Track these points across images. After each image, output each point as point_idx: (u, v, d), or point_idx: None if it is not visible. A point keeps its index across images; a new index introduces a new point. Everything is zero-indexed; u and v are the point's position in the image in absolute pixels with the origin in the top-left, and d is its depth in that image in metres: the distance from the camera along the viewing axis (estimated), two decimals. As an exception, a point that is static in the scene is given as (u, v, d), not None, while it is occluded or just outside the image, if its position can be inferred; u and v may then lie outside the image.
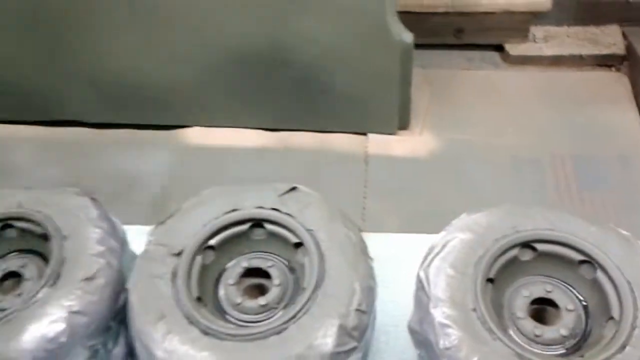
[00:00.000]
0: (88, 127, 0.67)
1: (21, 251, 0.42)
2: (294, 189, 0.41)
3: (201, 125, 0.65)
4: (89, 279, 0.38)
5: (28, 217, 0.41)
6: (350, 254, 0.38)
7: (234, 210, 0.40)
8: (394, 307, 0.45)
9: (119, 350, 0.41)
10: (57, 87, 0.64)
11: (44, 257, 0.42)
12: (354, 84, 0.60)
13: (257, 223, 0.40)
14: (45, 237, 0.41)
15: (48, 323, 0.36)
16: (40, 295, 0.37)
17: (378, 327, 0.41)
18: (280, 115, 0.64)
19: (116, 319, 0.40)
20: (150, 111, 0.65)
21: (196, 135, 0.65)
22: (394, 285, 0.46)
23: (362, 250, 0.39)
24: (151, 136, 0.66)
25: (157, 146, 0.65)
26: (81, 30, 0.58)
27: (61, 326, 0.36)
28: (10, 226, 0.42)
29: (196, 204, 0.41)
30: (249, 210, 0.40)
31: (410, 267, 0.42)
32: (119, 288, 0.40)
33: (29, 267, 0.41)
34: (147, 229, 0.45)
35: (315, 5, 0.54)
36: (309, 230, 0.39)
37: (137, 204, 0.61)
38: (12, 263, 0.42)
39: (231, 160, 0.63)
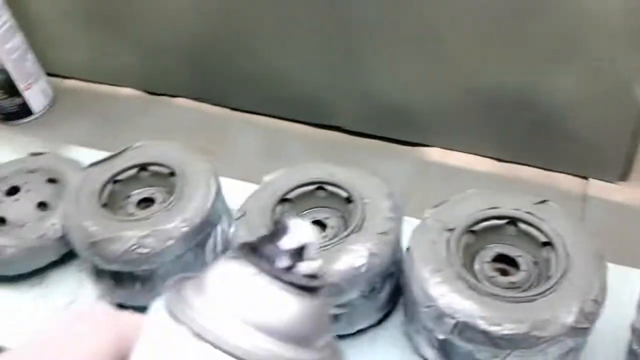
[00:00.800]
0: (345, 133, 0.83)
1: (325, 208, 0.57)
2: (545, 201, 0.52)
3: (440, 147, 0.78)
4: (383, 233, 0.51)
5: (338, 184, 0.56)
6: (590, 258, 0.47)
7: (495, 207, 0.52)
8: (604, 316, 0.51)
9: (382, 295, 0.54)
10: (331, 97, 0.80)
11: (343, 217, 0.56)
12: (587, 132, 0.68)
13: (513, 221, 0.51)
14: (348, 200, 0.55)
15: (356, 256, 0.49)
16: (348, 238, 0.51)
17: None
18: (511, 148, 0.74)
19: (390, 270, 0.53)
20: (400, 128, 0.78)
21: (435, 154, 0.78)
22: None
23: (600, 257, 0.48)
24: (397, 149, 0.79)
25: (400, 158, 0.78)
26: (362, 51, 0.74)
27: (363, 260, 0.49)
28: (323, 189, 0.57)
29: (463, 197, 0.53)
30: (507, 210, 0.51)
31: (618, 291, 0.49)
32: (398, 247, 0.53)
33: (331, 219, 0.56)
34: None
35: (570, 61, 0.64)
36: (558, 235, 0.49)
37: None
38: (318, 215, 0.57)
39: (462, 180, 0.73)
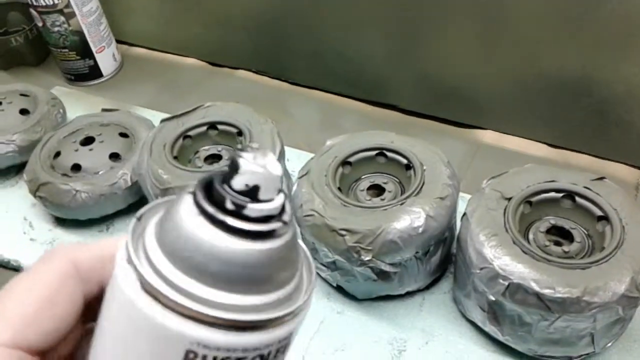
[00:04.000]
0: (400, 112, 0.85)
1: (384, 174, 0.60)
2: (602, 178, 0.53)
3: (495, 130, 0.79)
4: (441, 198, 0.53)
5: (398, 151, 0.58)
6: (645, 233, 0.48)
7: (552, 181, 0.53)
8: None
9: (434, 259, 0.56)
10: (391, 76, 0.82)
11: (401, 183, 0.58)
12: (644, 122, 0.69)
13: (570, 195, 0.52)
14: (407, 167, 0.57)
15: (414, 217, 0.51)
16: (407, 200, 0.53)
17: None
18: (566, 135, 0.74)
19: (444, 235, 0.55)
20: (455, 109, 0.80)
21: (489, 137, 0.79)
22: None
23: (654, 235, 0.49)
24: (450, 130, 0.81)
25: (454, 139, 0.79)
26: (422, 31, 0.75)
27: (421, 221, 0.51)
28: (384, 155, 0.59)
29: (522, 170, 0.55)
30: (565, 183, 0.53)
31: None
32: (453, 214, 0.55)
33: (389, 184, 0.58)
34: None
35: (634, 48, 0.65)
36: (614, 209, 0.50)
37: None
38: (377, 179, 0.59)
39: (514, 164, 0.73)
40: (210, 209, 0.17)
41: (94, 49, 0.92)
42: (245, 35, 0.91)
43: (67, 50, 0.90)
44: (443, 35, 0.74)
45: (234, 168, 0.18)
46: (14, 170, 0.76)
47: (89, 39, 0.90)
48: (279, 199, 0.18)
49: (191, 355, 0.17)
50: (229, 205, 0.18)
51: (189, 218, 0.18)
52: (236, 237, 0.17)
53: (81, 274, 0.21)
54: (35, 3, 0.85)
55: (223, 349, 0.17)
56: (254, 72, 0.94)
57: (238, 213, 0.18)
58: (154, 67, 0.99)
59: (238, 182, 0.18)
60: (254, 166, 0.17)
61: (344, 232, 0.51)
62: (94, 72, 0.94)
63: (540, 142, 0.76)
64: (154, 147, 0.61)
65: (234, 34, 0.92)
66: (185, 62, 0.98)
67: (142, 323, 0.17)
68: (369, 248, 0.51)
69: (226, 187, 0.18)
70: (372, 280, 0.54)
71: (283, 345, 0.19)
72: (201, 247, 0.17)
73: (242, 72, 0.95)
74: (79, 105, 0.87)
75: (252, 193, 0.18)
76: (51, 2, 0.85)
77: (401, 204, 0.52)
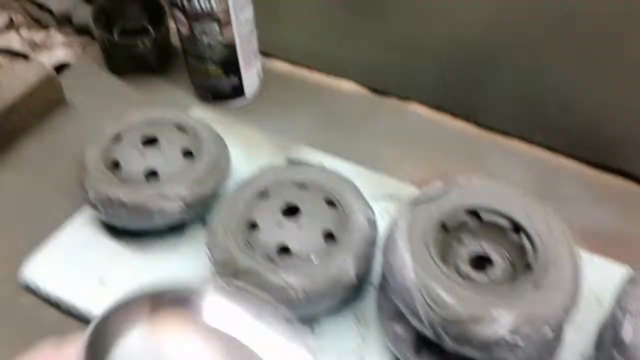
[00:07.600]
0: (635, 182, 0.69)
1: None
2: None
3: None
4: None
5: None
6: None
7: None
8: None
9: None
10: (628, 136, 0.66)
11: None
12: None
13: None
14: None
15: None
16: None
17: None
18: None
19: None
20: None
21: None
22: None
23: None
24: None
25: None
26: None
27: None
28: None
29: None
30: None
31: None
32: None
33: None
34: None
35: None
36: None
37: None
38: None
39: None
40: None
41: (242, 66, 0.75)
42: (421, 57, 0.74)
43: (213, 65, 0.73)
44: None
45: None
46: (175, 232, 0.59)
47: (239, 54, 0.73)
48: None
49: None
50: None
51: None
52: None
53: None
54: (186, 6, 0.68)
55: None
56: (430, 107, 0.77)
57: None
58: (301, 88, 0.82)
59: None
60: None
61: None
62: (236, 92, 0.77)
63: None
64: (414, 242, 0.45)
65: (406, 54, 0.75)
66: (342, 86, 0.82)
67: None
68: None
69: None
70: None
71: None
72: None
73: (414, 106, 0.78)
74: (227, 138, 0.70)
75: None
76: (208, 8, 0.67)
77: None
